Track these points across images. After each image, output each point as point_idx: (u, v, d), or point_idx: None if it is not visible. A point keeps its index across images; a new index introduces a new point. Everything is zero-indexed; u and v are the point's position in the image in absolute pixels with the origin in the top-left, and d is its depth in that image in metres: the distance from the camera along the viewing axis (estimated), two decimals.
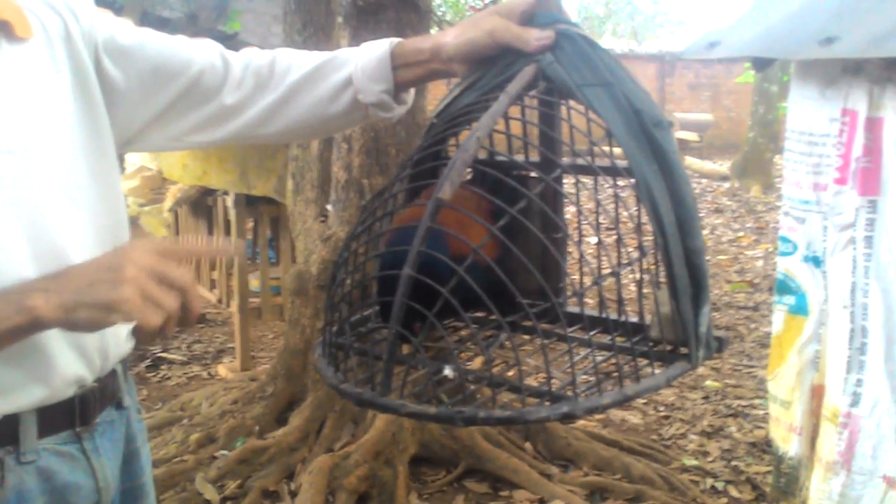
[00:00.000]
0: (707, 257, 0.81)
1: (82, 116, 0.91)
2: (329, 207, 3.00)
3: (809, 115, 1.29)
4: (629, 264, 0.77)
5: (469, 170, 0.77)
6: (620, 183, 0.82)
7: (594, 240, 0.82)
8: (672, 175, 0.77)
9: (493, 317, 0.81)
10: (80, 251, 0.88)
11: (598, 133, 0.79)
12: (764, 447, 3.02)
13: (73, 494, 0.91)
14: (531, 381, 0.75)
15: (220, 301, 4.46)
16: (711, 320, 0.79)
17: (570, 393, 0.70)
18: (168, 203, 4.79)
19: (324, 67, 0.99)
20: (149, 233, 4.83)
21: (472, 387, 0.80)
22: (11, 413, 0.85)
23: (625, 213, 0.81)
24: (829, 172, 1.27)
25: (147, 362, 4.19)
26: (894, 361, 1.23)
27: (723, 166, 10.42)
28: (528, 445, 2.96)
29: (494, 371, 0.79)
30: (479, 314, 0.89)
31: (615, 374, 0.73)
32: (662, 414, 3.43)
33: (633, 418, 3.39)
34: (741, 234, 7.20)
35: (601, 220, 0.88)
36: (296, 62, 1.00)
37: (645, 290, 0.78)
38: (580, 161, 0.82)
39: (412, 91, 1.03)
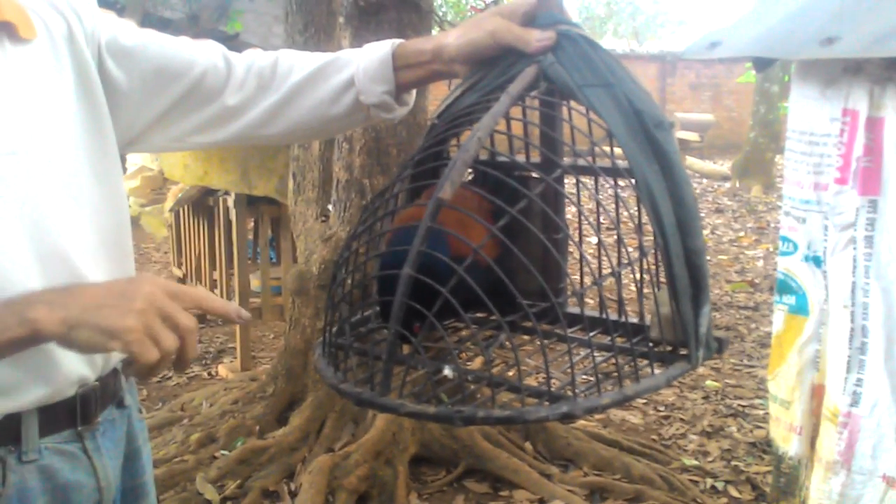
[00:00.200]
0: (707, 257, 0.81)
1: (85, 117, 0.91)
2: (330, 207, 3.00)
3: (810, 114, 1.29)
4: (629, 265, 0.78)
5: (470, 170, 0.77)
6: (621, 183, 0.82)
7: (594, 240, 0.82)
8: (673, 175, 0.77)
9: (492, 317, 0.81)
10: (82, 252, 0.88)
11: (599, 133, 0.80)
12: (764, 447, 3.02)
13: (75, 493, 0.91)
14: (531, 382, 0.75)
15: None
16: (711, 320, 0.79)
17: (569, 393, 0.71)
18: (169, 203, 4.79)
19: (326, 69, 1.00)
20: (149, 233, 4.83)
21: (472, 387, 0.80)
22: (13, 412, 0.85)
23: (625, 214, 0.81)
24: (830, 172, 1.27)
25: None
26: (894, 361, 1.23)
27: (723, 166, 10.42)
28: (528, 445, 2.96)
29: (494, 371, 0.79)
30: (479, 314, 0.89)
31: (615, 374, 0.73)
32: (662, 414, 3.43)
33: (634, 418, 3.39)
34: (742, 234, 7.20)
35: (601, 220, 0.88)
36: (298, 63, 1.00)
37: (645, 291, 0.78)
38: (581, 161, 0.83)
39: (414, 92, 1.03)
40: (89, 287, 0.78)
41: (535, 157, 0.87)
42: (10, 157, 0.83)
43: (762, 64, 1.40)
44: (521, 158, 0.87)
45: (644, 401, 3.50)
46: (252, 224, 4.80)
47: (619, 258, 0.80)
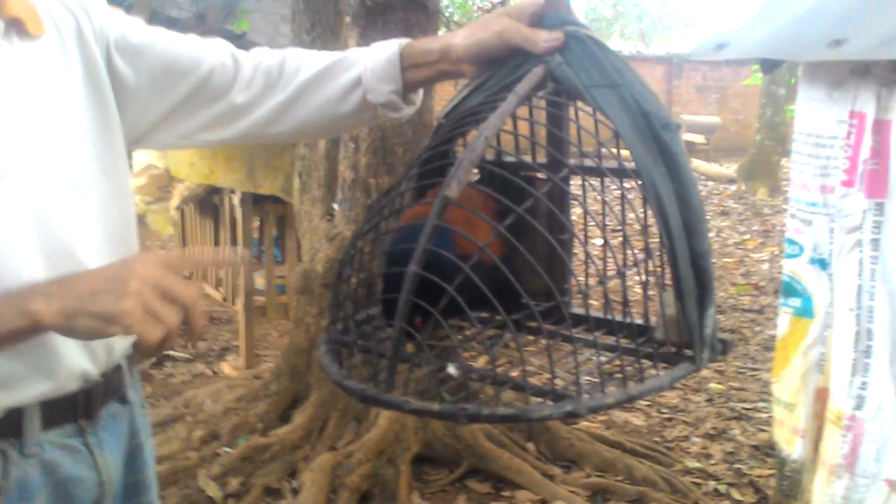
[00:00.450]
0: (713, 260, 0.81)
1: (93, 113, 0.92)
2: (335, 206, 3.01)
3: (817, 117, 1.29)
4: (635, 265, 0.78)
5: (476, 170, 0.78)
6: (627, 184, 0.82)
7: (600, 241, 0.82)
8: (679, 177, 0.77)
9: (497, 316, 0.81)
10: (88, 248, 0.89)
11: (606, 134, 0.80)
12: (767, 450, 3.01)
13: (76, 488, 0.91)
14: (535, 381, 0.75)
15: (224, 299, 4.47)
16: (716, 322, 0.79)
17: (573, 392, 0.71)
18: (175, 201, 4.81)
19: (333, 67, 1.00)
20: (155, 231, 4.84)
21: (476, 385, 0.80)
22: (15, 406, 0.85)
23: (631, 215, 0.81)
24: (837, 175, 1.27)
25: (152, 359, 4.20)
26: None
27: (729, 169, 10.40)
28: (530, 446, 2.96)
29: (498, 370, 0.79)
30: (484, 313, 0.89)
31: (619, 374, 0.73)
32: (666, 416, 3.43)
33: (637, 420, 3.38)
34: (747, 236, 7.18)
35: (607, 221, 0.88)
36: (305, 62, 1.01)
37: (650, 292, 0.78)
38: (587, 162, 0.83)
39: (421, 91, 1.03)
40: (83, 274, 0.78)
41: (542, 158, 0.87)
42: (18, 153, 0.83)
43: (769, 66, 1.40)
44: (527, 158, 0.87)
45: (647, 403, 3.50)
46: (257, 222, 4.81)
47: (624, 259, 0.80)
